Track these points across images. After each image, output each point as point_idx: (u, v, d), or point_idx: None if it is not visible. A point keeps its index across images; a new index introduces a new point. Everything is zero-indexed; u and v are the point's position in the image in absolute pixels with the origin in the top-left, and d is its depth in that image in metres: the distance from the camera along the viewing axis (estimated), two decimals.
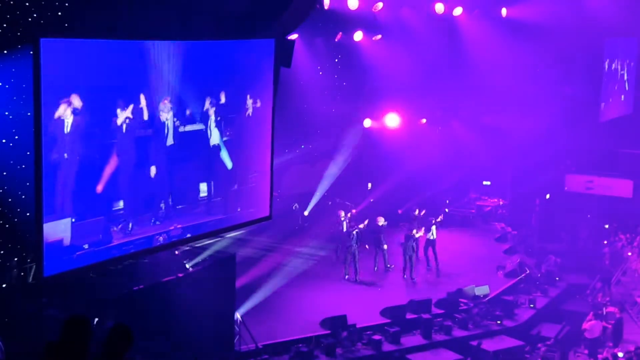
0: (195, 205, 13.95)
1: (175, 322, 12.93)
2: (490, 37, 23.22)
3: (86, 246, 11.68)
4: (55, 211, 11.12)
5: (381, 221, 19.94)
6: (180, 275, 15.73)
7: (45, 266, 11.02)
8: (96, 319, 11.68)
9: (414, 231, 19.59)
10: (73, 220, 11.39)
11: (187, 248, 15.08)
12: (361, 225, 19.49)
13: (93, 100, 11.49)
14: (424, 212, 21.23)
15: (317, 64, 21.58)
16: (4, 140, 11.33)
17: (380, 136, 24.49)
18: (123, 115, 12.06)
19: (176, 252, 17.00)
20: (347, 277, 19.22)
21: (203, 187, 14.08)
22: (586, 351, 17.18)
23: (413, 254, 19.47)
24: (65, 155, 11.22)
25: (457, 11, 22.88)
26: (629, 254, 21.84)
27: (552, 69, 24.89)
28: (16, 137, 11.44)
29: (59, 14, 11.50)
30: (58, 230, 11.14)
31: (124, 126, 12.10)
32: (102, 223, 11.95)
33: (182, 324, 13.02)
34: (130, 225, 12.48)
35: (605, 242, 22.73)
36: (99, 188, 11.83)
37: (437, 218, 20.43)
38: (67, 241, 11.34)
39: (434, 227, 20.12)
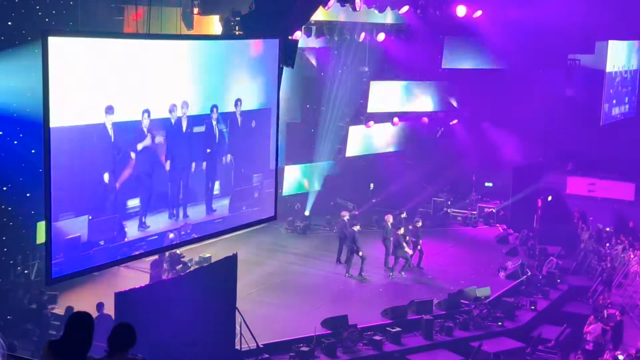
0: (203, 204, 14.03)
1: (176, 320, 12.95)
2: (491, 37, 23.20)
3: (102, 242, 11.89)
4: (73, 209, 11.25)
5: (390, 220, 19.99)
6: (182, 273, 15.77)
7: (64, 262, 11.14)
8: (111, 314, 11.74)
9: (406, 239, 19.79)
10: (90, 217, 11.55)
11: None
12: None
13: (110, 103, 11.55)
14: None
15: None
16: (8, 138, 11.37)
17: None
18: (140, 118, 12.18)
19: (177, 252, 17.09)
20: (347, 275, 19.27)
21: (211, 186, 14.14)
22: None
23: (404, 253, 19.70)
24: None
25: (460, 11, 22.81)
26: (631, 256, 21.79)
27: (555, 71, 24.87)
28: (20, 135, 11.48)
29: (64, 12, 11.54)
30: (76, 227, 11.32)
31: (142, 128, 12.26)
32: (117, 220, 12.13)
33: (183, 322, 13.04)
34: (143, 222, 12.65)
35: (607, 244, 22.73)
36: (116, 186, 12.00)
37: (417, 222, 20.45)
38: (84, 238, 11.51)
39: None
